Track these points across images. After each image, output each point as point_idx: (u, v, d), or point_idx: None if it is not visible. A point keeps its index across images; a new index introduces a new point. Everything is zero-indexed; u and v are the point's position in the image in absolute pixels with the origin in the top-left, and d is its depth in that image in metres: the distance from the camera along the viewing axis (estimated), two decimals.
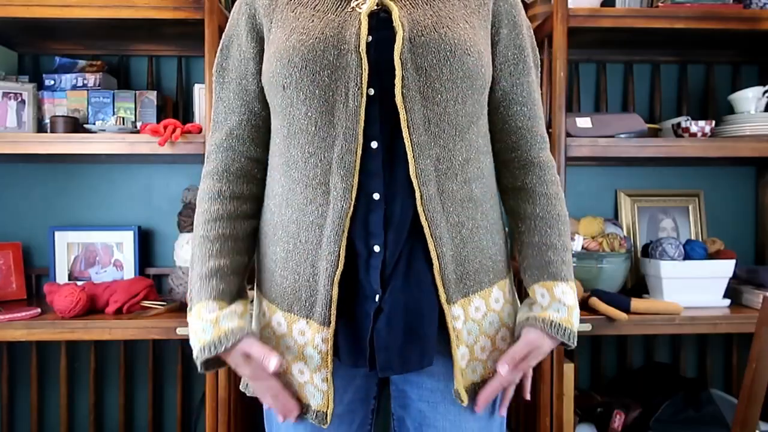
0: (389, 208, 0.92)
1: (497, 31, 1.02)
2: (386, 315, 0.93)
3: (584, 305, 1.70)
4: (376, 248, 0.92)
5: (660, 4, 1.69)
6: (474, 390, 1.00)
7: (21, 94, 1.72)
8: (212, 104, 1.07)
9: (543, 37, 1.70)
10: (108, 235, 1.94)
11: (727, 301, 1.75)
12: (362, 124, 0.90)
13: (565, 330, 0.98)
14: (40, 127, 1.78)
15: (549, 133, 1.68)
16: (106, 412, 2.04)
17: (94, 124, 1.69)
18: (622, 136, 1.66)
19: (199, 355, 0.93)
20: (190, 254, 1.04)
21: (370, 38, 0.92)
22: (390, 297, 0.93)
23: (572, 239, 1.80)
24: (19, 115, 1.72)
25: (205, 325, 0.92)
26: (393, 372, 0.95)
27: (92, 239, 1.94)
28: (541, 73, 1.76)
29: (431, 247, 0.93)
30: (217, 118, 1.05)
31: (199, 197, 1.03)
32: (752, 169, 2.11)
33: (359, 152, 0.91)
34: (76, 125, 1.70)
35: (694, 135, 1.70)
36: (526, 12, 1.91)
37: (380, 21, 0.93)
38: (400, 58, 0.90)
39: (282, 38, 0.95)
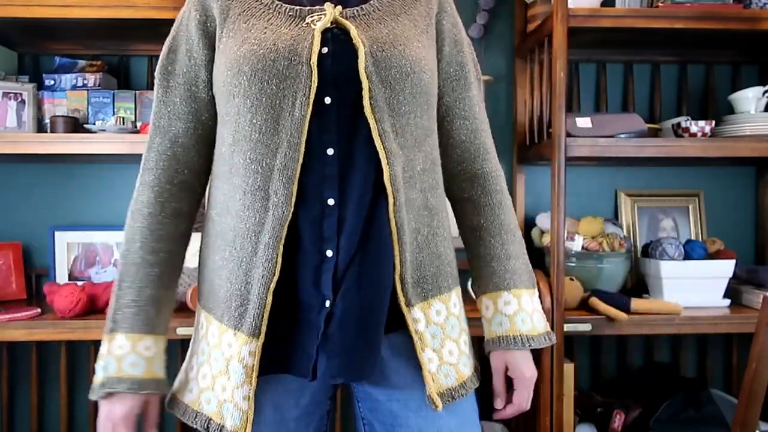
0: (342, 213, 0.93)
1: (440, 48, 1.05)
2: (338, 319, 0.92)
3: (584, 305, 1.71)
4: (329, 253, 0.92)
5: (660, 4, 1.69)
6: (451, 395, 0.99)
7: (21, 94, 1.72)
8: (154, 107, 1.02)
9: (543, 37, 1.70)
10: (108, 235, 1.94)
11: (727, 301, 1.75)
12: (305, 134, 0.91)
13: (513, 339, 1.02)
14: (40, 127, 1.78)
15: (549, 133, 1.68)
16: None
17: (94, 124, 1.69)
18: (622, 136, 1.66)
19: (102, 383, 0.99)
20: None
21: (326, 50, 0.93)
22: (342, 302, 0.92)
23: (572, 239, 1.80)
24: (19, 115, 1.72)
25: (137, 358, 1.02)
26: (345, 379, 0.93)
27: (92, 239, 1.94)
28: (541, 73, 1.77)
29: (396, 252, 0.94)
30: (160, 123, 1.02)
31: (136, 208, 1.02)
32: (752, 169, 2.11)
33: (301, 161, 0.91)
34: (76, 125, 1.69)
35: (694, 135, 1.70)
36: (526, 12, 1.93)
37: (335, 36, 0.94)
38: (366, 71, 0.92)
39: (233, 48, 0.95)
